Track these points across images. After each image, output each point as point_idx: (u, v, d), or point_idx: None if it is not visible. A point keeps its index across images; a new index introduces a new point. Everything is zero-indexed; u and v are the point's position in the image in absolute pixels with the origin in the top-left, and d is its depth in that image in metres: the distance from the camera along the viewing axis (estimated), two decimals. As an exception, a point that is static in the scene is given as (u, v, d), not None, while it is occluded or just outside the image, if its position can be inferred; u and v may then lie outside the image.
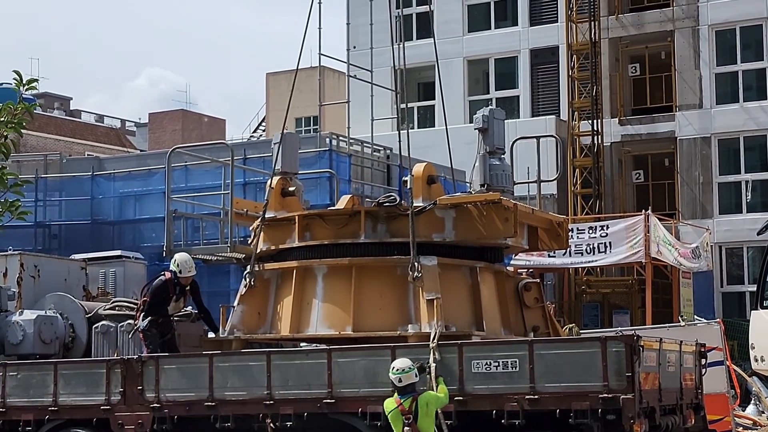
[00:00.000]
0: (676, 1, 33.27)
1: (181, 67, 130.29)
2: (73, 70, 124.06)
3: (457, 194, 13.82)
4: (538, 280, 14.80)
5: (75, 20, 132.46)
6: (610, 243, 25.86)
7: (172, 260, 13.54)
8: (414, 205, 12.88)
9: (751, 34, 32.71)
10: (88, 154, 44.09)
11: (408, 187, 13.11)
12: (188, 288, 13.62)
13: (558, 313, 27.79)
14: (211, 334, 14.05)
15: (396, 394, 11.09)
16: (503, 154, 14.39)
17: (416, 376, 11.09)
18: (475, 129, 14.16)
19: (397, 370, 11.08)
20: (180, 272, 13.40)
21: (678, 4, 33.21)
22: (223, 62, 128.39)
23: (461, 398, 11.38)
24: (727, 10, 32.67)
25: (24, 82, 7.76)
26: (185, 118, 56.93)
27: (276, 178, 14.21)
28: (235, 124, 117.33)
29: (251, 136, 53.41)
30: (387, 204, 13.11)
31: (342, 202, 14.28)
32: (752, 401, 20.74)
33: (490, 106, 14.56)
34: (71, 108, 66.30)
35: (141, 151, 52.52)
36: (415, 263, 12.56)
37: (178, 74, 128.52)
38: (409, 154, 13.50)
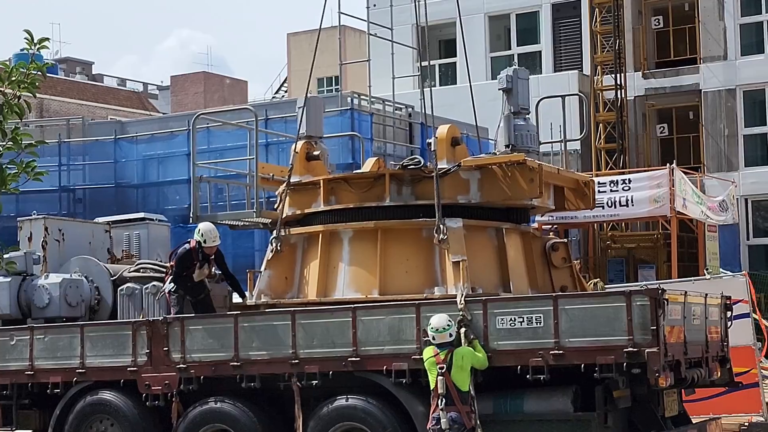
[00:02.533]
0: (699, -49, 32.84)
1: (211, 27, 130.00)
2: (101, 33, 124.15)
3: (481, 156, 13.75)
4: (566, 240, 14.73)
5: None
6: (632, 197, 25.72)
7: (197, 230, 13.54)
8: (438, 167, 12.82)
9: (776, -16, 32.27)
10: (110, 118, 44.16)
11: (432, 149, 13.04)
12: (212, 257, 13.63)
13: (583, 268, 27.72)
14: (238, 299, 14.08)
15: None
16: (528, 113, 14.31)
17: (451, 336, 11.11)
18: (499, 89, 14.08)
19: (433, 328, 11.15)
20: (204, 242, 13.40)
21: (701, -45, 32.77)
22: (250, 22, 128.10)
23: (486, 354, 11.38)
24: (752, -41, 32.25)
25: (35, 41, 7.68)
26: (207, 81, 56.91)
27: (300, 143, 14.17)
28: (260, 83, 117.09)
29: (273, 97, 53.41)
30: (411, 167, 13.07)
31: (367, 165, 14.23)
32: (779, 354, 20.65)
33: (513, 66, 14.41)
34: (93, 72, 66.39)
35: (163, 114, 52.60)
36: (441, 225, 12.53)
37: (208, 35, 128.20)
38: (432, 112, 13.44)
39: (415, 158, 13.34)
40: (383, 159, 14.98)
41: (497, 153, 13.72)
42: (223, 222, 15.04)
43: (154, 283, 14.19)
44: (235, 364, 12.52)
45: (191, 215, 14.59)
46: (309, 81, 14.71)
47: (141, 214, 17.60)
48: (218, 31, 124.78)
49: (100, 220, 17.01)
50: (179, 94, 56.40)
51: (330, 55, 35.99)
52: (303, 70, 48.04)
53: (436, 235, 12.56)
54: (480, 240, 13.02)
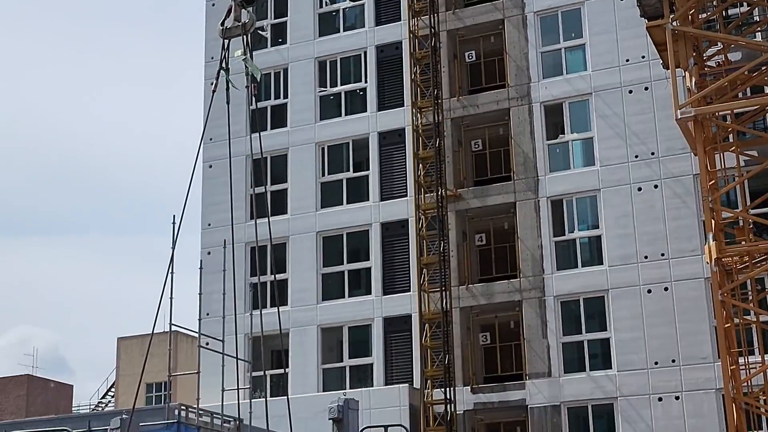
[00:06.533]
0: (522, 272, 34.41)
1: (55, 324, 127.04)
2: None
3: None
4: None
5: None
6: None
7: None
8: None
9: (594, 306, 33.87)
10: None
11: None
12: None
13: None
14: None
15: None
16: (359, 446, 14.30)
17: None
18: (329, 419, 14.11)
19: None
20: None
21: (525, 275, 34.32)
22: (89, 322, 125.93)
23: None
24: (572, 282, 33.89)
25: None
26: (31, 383, 55.01)
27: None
28: (97, 381, 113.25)
29: (99, 403, 51.96)
30: None
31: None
32: None
33: (345, 395, 14.58)
34: None
35: (-19, 418, 50.22)
36: None
37: (53, 332, 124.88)
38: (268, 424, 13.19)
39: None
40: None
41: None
42: None
43: None
44: None
45: None
46: (134, 406, 14.34)
47: None
48: (61, 329, 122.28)
49: None
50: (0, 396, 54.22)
51: (161, 359, 35.56)
52: (131, 374, 47.11)
53: None
54: None
